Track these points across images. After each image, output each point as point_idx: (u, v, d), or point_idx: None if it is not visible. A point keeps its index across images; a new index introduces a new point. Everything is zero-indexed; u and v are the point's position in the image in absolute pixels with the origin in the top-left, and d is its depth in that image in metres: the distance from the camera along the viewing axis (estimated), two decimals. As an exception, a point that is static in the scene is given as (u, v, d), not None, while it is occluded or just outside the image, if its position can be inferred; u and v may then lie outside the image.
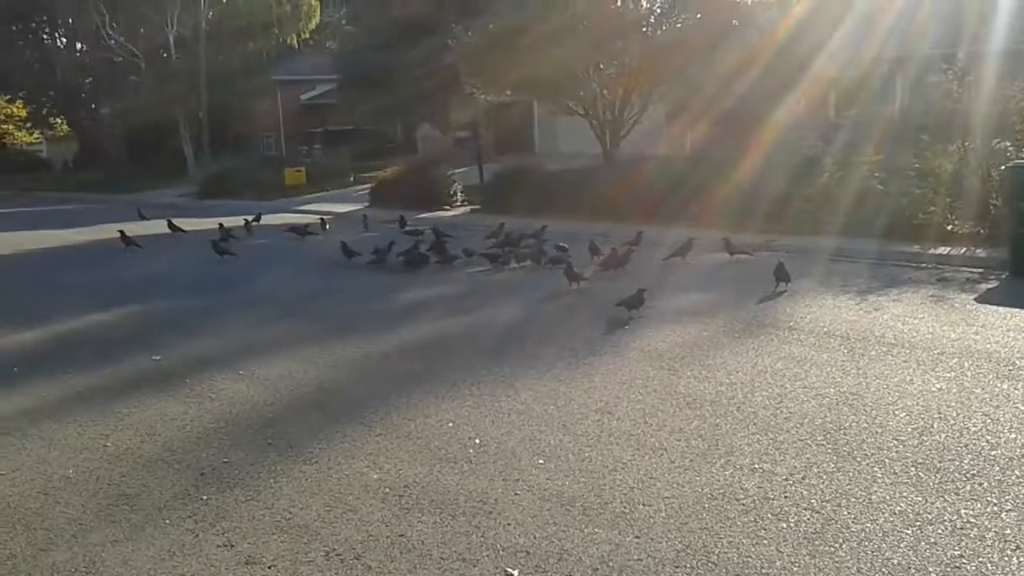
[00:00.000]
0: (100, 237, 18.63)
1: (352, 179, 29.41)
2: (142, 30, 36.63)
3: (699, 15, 20.70)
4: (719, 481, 4.74)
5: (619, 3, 21.48)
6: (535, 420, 5.86)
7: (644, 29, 21.36)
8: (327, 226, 17.65)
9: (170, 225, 17.99)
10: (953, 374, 6.46)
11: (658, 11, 21.74)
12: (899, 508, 4.34)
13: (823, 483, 4.67)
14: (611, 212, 16.42)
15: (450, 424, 5.87)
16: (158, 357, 8.03)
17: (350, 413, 6.21)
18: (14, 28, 43.88)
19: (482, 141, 29.02)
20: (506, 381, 6.76)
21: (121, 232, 16.14)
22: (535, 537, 4.22)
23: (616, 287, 10.16)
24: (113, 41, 35.77)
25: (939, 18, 21.02)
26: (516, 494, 4.72)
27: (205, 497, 4.91)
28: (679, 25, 21.03)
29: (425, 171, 22.57)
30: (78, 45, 43.88)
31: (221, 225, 16.51)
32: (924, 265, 11.29)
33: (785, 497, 4.51)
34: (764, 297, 9.59)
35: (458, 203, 21.50)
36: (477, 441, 5.53)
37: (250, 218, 18.33)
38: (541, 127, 33.15)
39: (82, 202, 30.85)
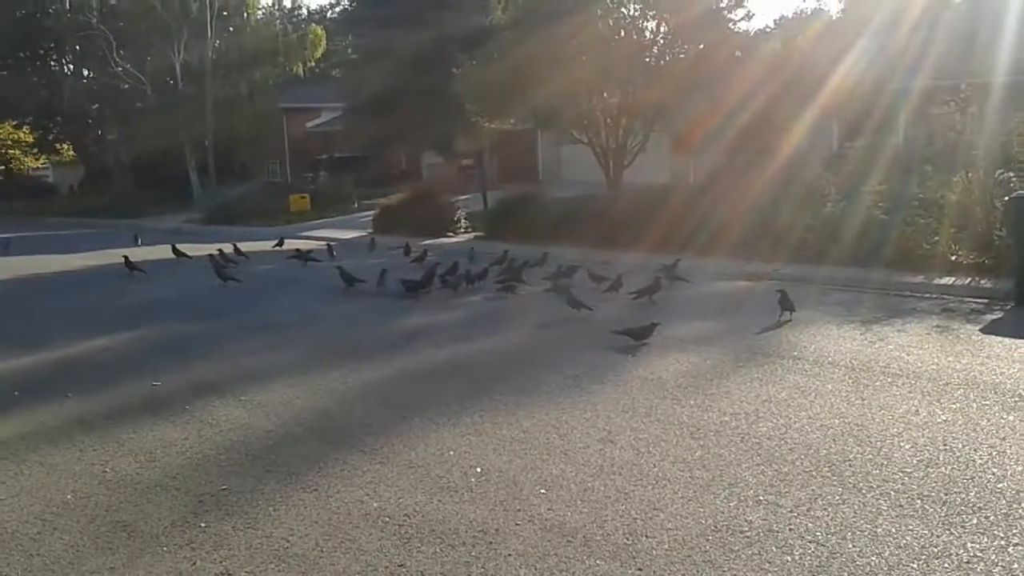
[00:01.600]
0: (104, 262, 18.67)
1: (356, 205, 29.54)
2: (149, 58, 37.02)
3: (702, 45, 20.85)
4: (723, 513, 4.68)
5: (622, 33, 21.62)
6: (537, 448, 5.81)
7: (647, 59, 21.50)
8: (334, 252, 17.63)
9: (174, 250, 18.02)
10: (959, 405, 6.40)
11: (661, 41, 21.87)
12: (905, 541, 4.28)
13: (828, 515, 4.61)
14: (615, 240, 16.42)
15: (451, 452, 5.82)
16: (158, 382, 8.00)
17: (350, 440, 6.16)
18: (22, 54, 44.32)
19: (486, 169, 29.14)
20: (508, 409, 6.72)
21: (125, 257, 16.18)
22: (536, 569, 4.17)
23: (617, 314, 10.15)
24: (120, 68, 36.10)
25: (941, 50, 21.10)
26: (517, 524, 4.66)
27: (203, 524, 4.86)
28: (682, 55, 21.17)
29: (429, 198, 22.65)
30: (85, 72, 44.30)
31: (220, 251, 16.53)
32: (928, 295, 11.25)
33: (790, 529, 4.45)
34: (768, 326, 9.55)
35: (462, 230, 21.55)
36: (478, 469, 5.48)
37: (236, 247, 18.25)
38: (545, 155, 33.31)
39: (87, 227, 30.98)
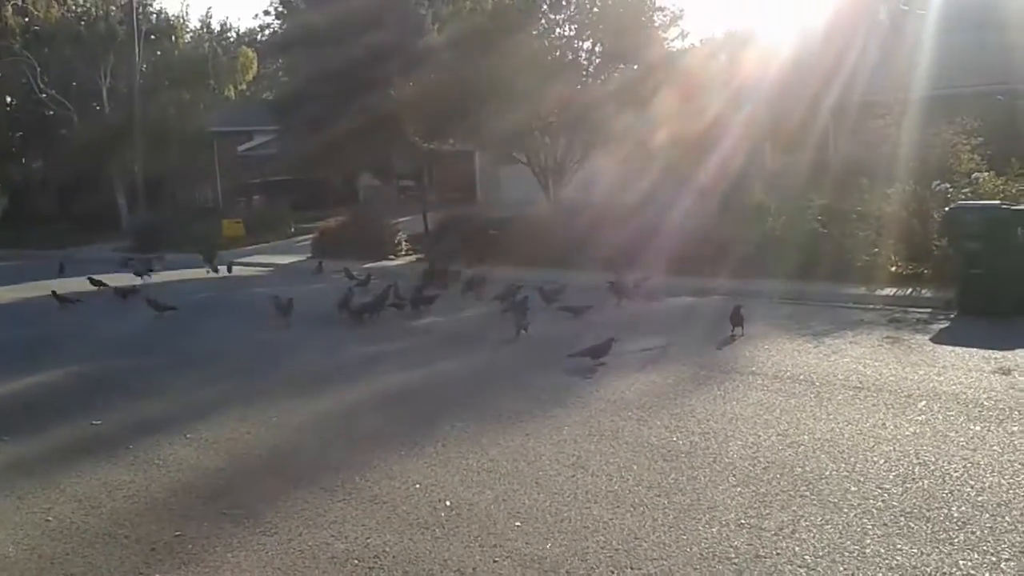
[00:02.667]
0: (32, 295, 17.94)
1: (292, 230, 29.04)
2: (75, 83, 36.04)
3: (636, 66, 21.02)
4: (706, 539, 4.55)
5: (558, 53, 21.69)
6: (506, 478, 5.62)
7: (584, 77, 21.60)
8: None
9: (92, 281, 17.39)
10: (924, 417, 6.40)
11: (597, 60, 22.00)
12: (895, 562, 4.20)
13: (813, 537, 4.50)
14: (555, 259, 16.32)
15: (417, 485, 5.59)
16: (98, 421, 7.60)
17: (309, 477, 5.88)
18: (-59, 83, 42.77)
19: (425, 190, 28.91)
20: (471, 437, 6.51)
21: (53, 292, 15.54)
22: (520, 607, 3.97)
23: (568, 334, 10.02)
24: (45, 95, 35.05)
25: (872, 67, 21.57)
26: (495, 561, 4.46)
27: (157, 575, 4.56)
28: (616, 74, 21.32)
29: (369, 221, 22.34)
30: (8, 99, 42.90)
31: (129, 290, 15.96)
32: (872, 306, 11.38)
33: (777, 554, 4.34)
34: (722, 342, 9.52)
35: (403, 252, 21.28)
36: (448, 503, 5.26)
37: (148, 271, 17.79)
38: (483, 175, 33.21)
39: (13, 259, 29.84)
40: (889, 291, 11.99)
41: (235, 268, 19.91)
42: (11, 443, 7.08)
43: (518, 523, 4.91)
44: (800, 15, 24.88)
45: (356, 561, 4.57)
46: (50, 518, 5.41)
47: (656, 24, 21.17)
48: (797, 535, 4.54)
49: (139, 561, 4.74)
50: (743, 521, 4.73)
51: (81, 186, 38.42)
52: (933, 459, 5.51)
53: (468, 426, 6.78)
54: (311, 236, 23.95)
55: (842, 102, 21.87)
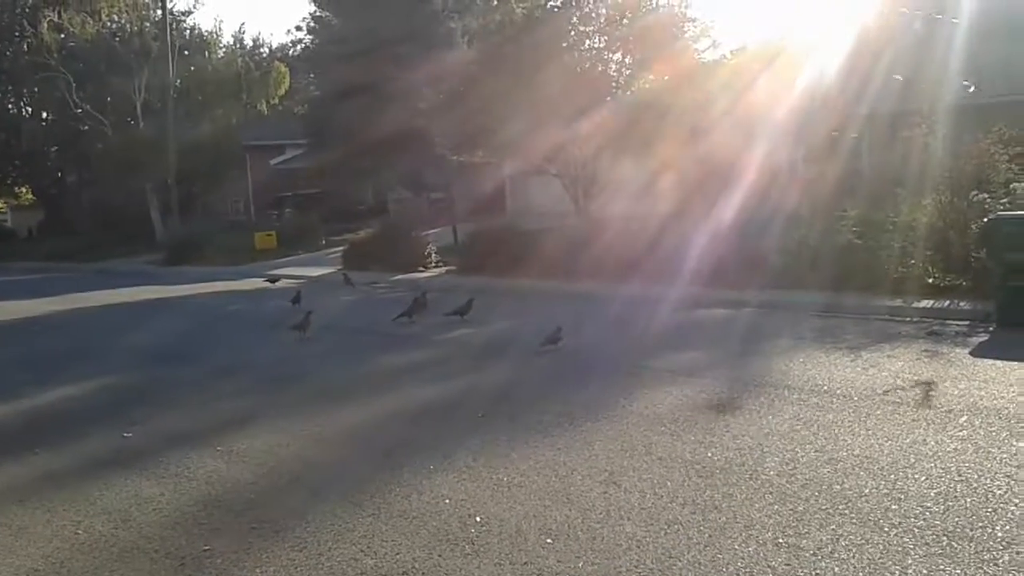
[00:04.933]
0: (67, 307, 18.18)
1: (323, 242, 29.20)
2: (109, 98, 36.55)
3: (666, 77, 20.93)
4: (743, 558, 4.43)
5: (588, 65, 21.66)
6: (537, 494, 5.53)
7: (614, 88, 21.55)
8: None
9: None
10: (965, 432, 6.23)
11: (627, 72, 21.95)
12: (938, 583, 4.07)
13: (853, 557, 4.37)
14: (588, 272, 16.22)
15: (447, 500, 5.52)
16: (129, 433, 7.61)
17: (339, 491, 5.84)
18: (-23, 99, 43.63)
19: (454, 202, 28.96)
20: (501, 451, 6.43)
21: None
22: (551, 627, 3.89)
23: (599, 348, 9.95)
24: (80, 110, 35.56)
25: (906, 75, 21.33)
26: (526, 578, 4.38)
27: (186, 590, 4.53)
28: (647, 86, 21.25)
29: (398, 233, 22.39)
30: (44, 113, 43.65)
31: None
32: (909, 319, 11.17)
33: (816, 574, 4.21)
34: (755, 355, 9.39)
35: (433, 265, 21.30)
36: (478, 519, 5.19)
37: None
38: (513, 187, 33.17)
39: (48, 271, 30.30)
40: (926, 303, 11.76)
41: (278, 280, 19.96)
42: (43, 455, 7.10)
43: (549, 540, 4.82)
44: (832, 24, 24.62)
45: (385, 577, 4.51)
46: (80, 532, 5.40)
47: (687, 35, 21.09)
48: (836, 554, 4.41)
49: (168, 576, 4.71)
50: (780, 540, 4.62)
51: (115, 199, 38.96)
52: (976, 476, 5.35)
53: (498, 439, 6.71)
54: (342, 248, 24.04)
55: (875, 111, 21.64)
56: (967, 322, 10.62)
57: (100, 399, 9.41)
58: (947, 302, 11.73)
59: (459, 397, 8.52)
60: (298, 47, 48.81)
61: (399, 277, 19.36)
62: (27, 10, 40.51)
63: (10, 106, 45.95)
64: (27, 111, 45.59)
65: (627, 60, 21.83)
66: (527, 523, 5.08)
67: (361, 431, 7.41)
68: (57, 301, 19.39)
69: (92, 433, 7.76)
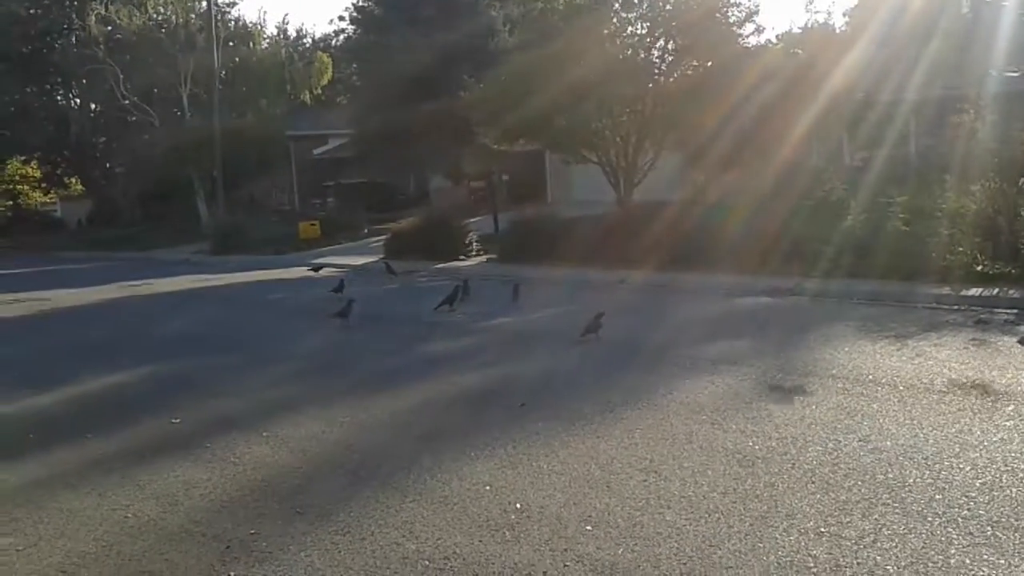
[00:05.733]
0: (117, 295, 18.53)
1: (366, 231, 29.38)
2: (156, 90, 37.05)
3: (710, 62, 20.71)
4: (784, 548, 4.42)
5: (630, 51, 21.52)
6: (577, 481, 5.56)
7: (656, 75, 21.39)
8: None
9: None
10: (1012, 422, 6.14)
11: (670, 58, 21.77)
12: (982, 573, 4.02)
13: (896, 546, 4.34)
14: (628, 259, 16.16)
15: (487, 487, 5.56)
16: (177, 419, 7.75)
17: (381, 477, 5.91)
18: (29, 90, 44.44)
19: (496, 191, 29.00)
20: (541, 439, 6.46)
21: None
22: (591, 613, 3.91)
23: (640, 335, 9.91)
24: (127, 101, 36.12)
25: (953, 60, 20.94)
26: (566, 565, 4.40)
27: (232, 573, 4.62)
28: (690, 72, 21.05)
29: (440, 222, 22.45)
30: (93, 105, 44.39)
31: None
32: (957, 307, 10.99)
33: (858, 563, 4.19)
34: (799, 343, 9.31)
35: (474, 253, 21.36)
36: (518, 506, 5.22)
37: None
38: (554, 175, 33.13)
39: (97, 260, 30.85)
40: (974, 291, 11.57)
41: (321, 269, 20.09)
42: (94, 440, 7.26)
43: (589, 527, 4.84)
44: (880, 7, 24.20)
45: (426, 562, 4.56)
46: (129, 515, 5.53)
47: (731, 20, 20.84)
48: (879, 544, 4.38)
49: (215, 559, 4.80)
50: (822, 529, 4.59)
51: (162, 190, 39.55)
52: (1022, 466, 5.27)
53: (538, 427, 6.73)
54: (384, 237, 24.20)
55: (923, 96, 21.27)
56: (1016, 311, 10.45)
57: (148, 386, 9.59)
58: (995, 290, 11.55)
59: (499, 385, 8.57)
60: (340, 37, 49.25)
61: (440, 266, 19.44)
62: (75, 3, 41.18)
63: (59, 98, 46.81)
64: (75, 103, 46.39)
65: (669, 46, 21.64)
66: (567, 510, 5.10)
67: (402, 418, 7.47)
68: (105, 290, 19.76)
69: (141, 419, 7.90)
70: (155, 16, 37.69)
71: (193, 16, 37.82)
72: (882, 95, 20.82)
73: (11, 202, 47.94)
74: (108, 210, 45.20)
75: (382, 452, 6.54)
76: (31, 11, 42.71)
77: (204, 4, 37.44)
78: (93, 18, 35.93)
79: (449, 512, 5.21)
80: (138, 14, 37.09)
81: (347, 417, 7.51)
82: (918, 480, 5.18)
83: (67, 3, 42.17)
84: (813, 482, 5.25)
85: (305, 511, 5.39)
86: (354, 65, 40.47)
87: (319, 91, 39.82)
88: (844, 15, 29.13)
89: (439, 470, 5.92)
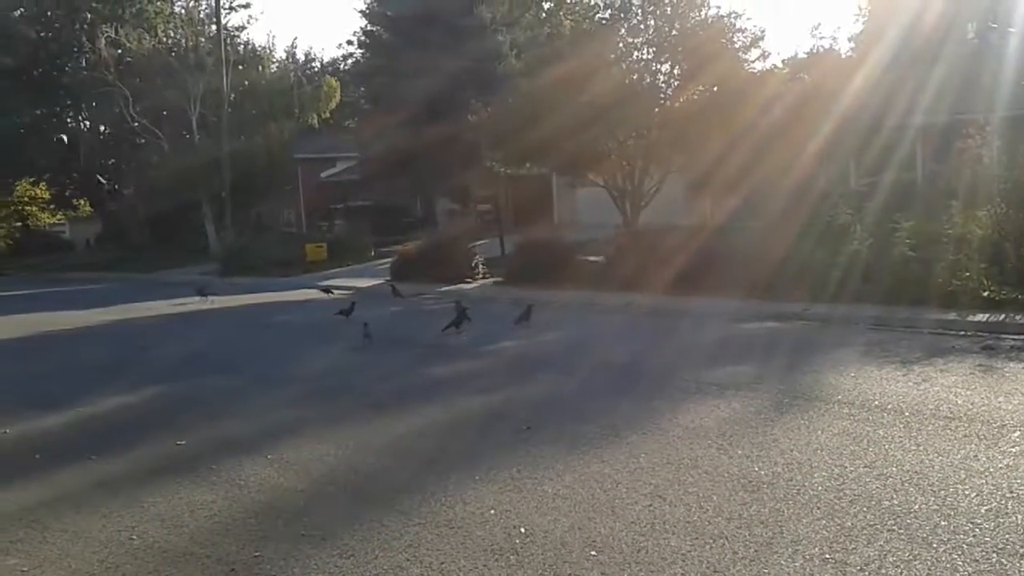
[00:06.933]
0: (122, 317, 18.59)
1: (373, 254, 29.50)
2: (165, 112, 37.32)
3: (716, 87, 20.81)
4: (789, 574, 4.39)
5: (635, 75, 21.65)
6: (582, 506, 5.55)
7: (662, 100, 21.50)
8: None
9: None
10: (1018, 449, 6.11)
11: (675, 83, 21.89)
12: (989, 601, 4.00)
13: (901, 573, 4.32)
14: (632, 283, 16.15)
15: (492, 511, 5.55)
16: (182, 441, 7.76)
17: (386, 500, 5.91)
18: (39, 111, 44.84)
19: (502, 213, 29.09)
20: (546, 462, 6.45)
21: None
22: (595, 639, 3.90)
23: (645, 358, 9.90)
24: (136, 123, 36.37)
25: (959, 86, 20.98)
26: (570, 590, 4.40)
27: (237, 595, 4.62)
28: (696, 96, 21.15)
29: (446, 244, 22.54)
30: (102, 127, 44.74)
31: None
32: (964, 333, 10.96)
33: (863, 590, 4.18)
34: (805, 368, 9.29)
35: (480, 276, 21.40)
36: (522, 530, 5.21)
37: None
38: (560, 198, 33.24)
39: (104, 282, 30.99)
40: (981, 317, 11.54)
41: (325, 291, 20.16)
42: (98, 461, 7.27)
43: (594, 552, 4.83)
44: (886, 33, 24.29)
45: (431, 587, 4.56)
46: (134, 536, 5.53)
47: (736, 46, 20.97)
48: (884, 571, 4.36)
49: (219, 581, 4.80)
50: (827, 556, 4.57)
51: (170, 211, 39.77)
52: (1029, 494, 5.26)
53: (543, 451, 6.73)
54: (390, 260, 24.27)
55: (929, 121, 21.31)
56: (1022, 336, 10.39)
57: (153, 407, 9.62)
58: (1002, 316, 11.50)
59: (504, 408, 8.57)
60: (349, 61, 49.62)
61: (446, 288, 19.47)
62: (86, 26, 41.62)
63: (69, 120, 47.21)
64: (85, 125, 46.81)
65: (675, 71, 21.77)
66: (571, 535, 5.09)
67: (407, 441, 7.47)
68: (112, 311, 19.84)
69: (146, 440, 7.92)
70: (165, 39, 38.05)
71: (203, 39, 38.15)
72: (888, 120, 20.86)
73: (20, 223, 48.18)
74: (116, 231, 45.47)
75: (387, 475, 6.54)
76: (41, 34, 43.20)
77: (214, 28, 37.83)
78: (103, 41, 36.26)
79: (454, 536, 5.20)
80: (148, 37, 37.44)
81: (352, 439, 7.52)
82: (923, 506, 5.16)
83: (77, 26, 42.65)
84: (818, 508, 5.24)
85: (309, 533, 5.39)
86: (362, 88, 40.70)
87: (327, 114, 40.05)
88: (850, 40, 29.14)
89: (444, 493, 5.92)
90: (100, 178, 45.09)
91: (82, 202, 49.86)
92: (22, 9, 43.40)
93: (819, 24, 50.63)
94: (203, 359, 12.84)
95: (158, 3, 44.91)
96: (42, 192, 46.77)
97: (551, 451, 6.73)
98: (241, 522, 5.71)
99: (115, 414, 9.32)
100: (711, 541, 4.87)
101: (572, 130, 19.54)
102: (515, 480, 6.11)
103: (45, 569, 5.13)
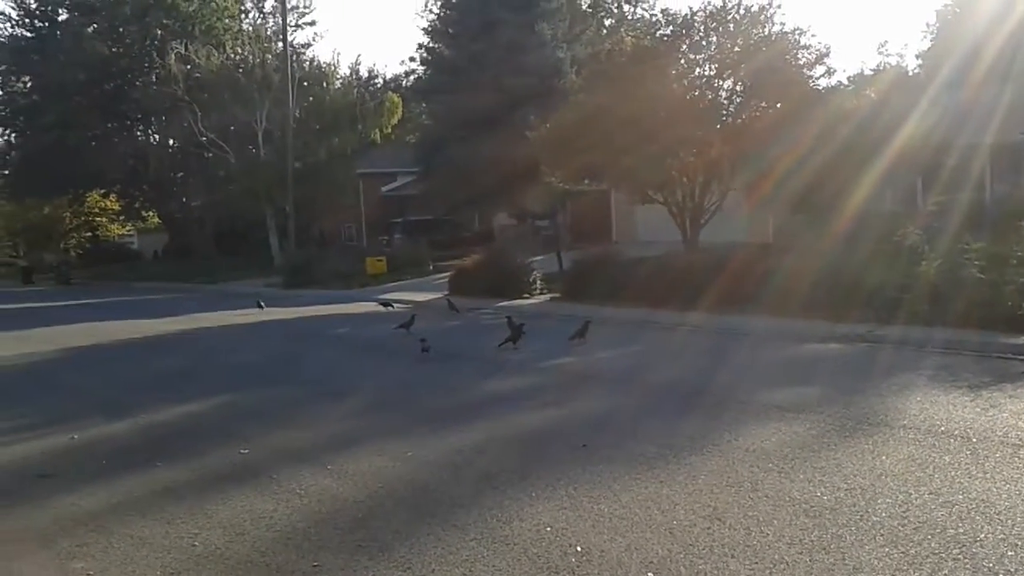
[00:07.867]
0: (190, 327, 19.00)
1: (431, 268, 29.69)
2: (232, 127, 38.10)
3: (779, 104, 20.58)
4: (851, 601, 4.33)
5: (696, 92, 21.50)
6: (639, 526, 5.51)
7: (724, 117, 21.31)
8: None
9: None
10: (1093, 480, 5.92)
11: (738, 100, 21.69)
12: (1060, 637, 3.88)
13: (968, 605, 4.22)
14: (695, 301, 15.98)
15: (548, 528, 5.55)
16: (245, 450, 7.91)
17: (442, 514, 5.94)
18: (110, 125, 46.16)
19: (560, 229, 29.09)
20: (603, 482, 6.42)
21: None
22: (651, 661, 3.86)
23: (697, 378, 9.82)
24: (204, 138, 37.21)
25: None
26: (626, 610, 4.37)
27: (295, 605, 4.68)
28: (758, 114, 20.92)
29: (504, 259, 22.57)
30: (171, 141, 45.87)
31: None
32: (1035, 358, 10.65)
33: (928, 621, 4.08)
34: (869, 392, 9.10)
35: (537, 291, 21.39)
36: (578, 548, 5.20)
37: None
38: (619, 214, 33.13)
39: (171, 292, 31.71)
40: (1053, 341, 11.21)
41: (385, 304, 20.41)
42: (164, 468, 7.44)
43: (651, 573, 4.80)
44: (955, 51, 23.84)
45: (486, 603, 4.57)
46: (196, 544, 5.64)
47: (801, 62, 20.70)
48: (951, 602, 4.26)
49: (278, 590, 4.87)
50: (890, 584, 4.48)
51: (236, 224, 40.56)
52: (1104, 526, 5.09)
53: (600, 469, 6.70)
54: (448, 274, 24.41)
55: (998, 141, 20.83)
56: (1096, 362, 10.09)
57: (217, 416, 9.82)
58: (1076, 341, 11.16)
59: (561, 425, 8.55)
60: (411, 78, 50.23)
61: (503, 303, 19.51)
62: (156, 43, 42.76)
63: (139, 133, 48.51)
64: (155, 139, 48.03)
65: (738, 88, 21.57)
66: (628, 555, 5.06)
67: (464, 456, 7.49)
68: (179, 321, 20.30)
69: (210, 448, 8.09)
70: (233, 56, 38.86)
71: (270, 57, 38.92)
72: (957, 139, 20.44)
73: (90, 233, 49.63)
74: (183, 243, 46.54)
75: (444, 489, 6.58)
76: (113, 49, 44.51)
77: (280, 45, 38.56)
78: (173, 57, 37.22)
79: (510, 552, 5.21)
80: (216, 54, 38.29)
81: (410, 452, 7.57)
82: (990, 535, 5.03)
83: (148, 43, 43.84)
84: (882, 535, 5.13)
85: (367, 545, 5.44)
86: (423, 104, 41.12)
87: (389, 130, 40.51)
88: (917, 57, 28.66)
89: (500, 509, 5.93)
90: (173, 189, 46.19)
91: (151, 214, 51.21)
92: (95, 25, 44.75)
93: (886, 41, 49.74)
94: (266, 369, 13.09)
95: (227, 20, 45.99)
96: (112, 204, 48.19)
97: (608, 470, 6.70)
98: (301, 532, 5.79)
99: (180, 422, 9.53)
100: (771, 566, 4.80)
101: (631, 146, 19.46)
102: (571, 498, 6.10)
103: (110, 573, 5.26)
